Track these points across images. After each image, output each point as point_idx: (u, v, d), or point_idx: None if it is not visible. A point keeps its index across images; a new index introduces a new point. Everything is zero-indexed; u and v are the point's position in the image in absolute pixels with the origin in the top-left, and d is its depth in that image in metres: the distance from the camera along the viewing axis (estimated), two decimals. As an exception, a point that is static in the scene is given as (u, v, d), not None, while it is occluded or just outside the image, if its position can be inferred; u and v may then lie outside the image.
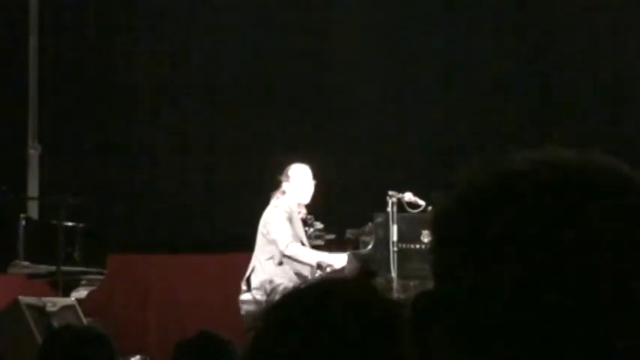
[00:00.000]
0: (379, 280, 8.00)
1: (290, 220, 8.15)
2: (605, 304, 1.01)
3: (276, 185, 8.30)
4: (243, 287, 8.17)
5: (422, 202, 8.08)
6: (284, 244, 8.04)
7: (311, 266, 8.11)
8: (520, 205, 1.04)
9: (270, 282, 8.04)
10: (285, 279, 8.03)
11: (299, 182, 8.23)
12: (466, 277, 1.04)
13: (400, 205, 8.07)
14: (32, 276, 8.78)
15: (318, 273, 8.14)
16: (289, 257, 8.08)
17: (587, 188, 1.04)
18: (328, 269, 8.11)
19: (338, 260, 8.08)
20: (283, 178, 8.24)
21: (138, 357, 9.06)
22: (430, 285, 1.11)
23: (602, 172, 1.06)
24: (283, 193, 8.23)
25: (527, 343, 1.02)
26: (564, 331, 1.01)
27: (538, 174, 1.05)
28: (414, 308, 1.57)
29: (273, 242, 8.09)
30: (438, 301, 1.07)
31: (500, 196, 1.05)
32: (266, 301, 7.90)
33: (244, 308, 8.13)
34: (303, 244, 8.21)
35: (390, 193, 8.06)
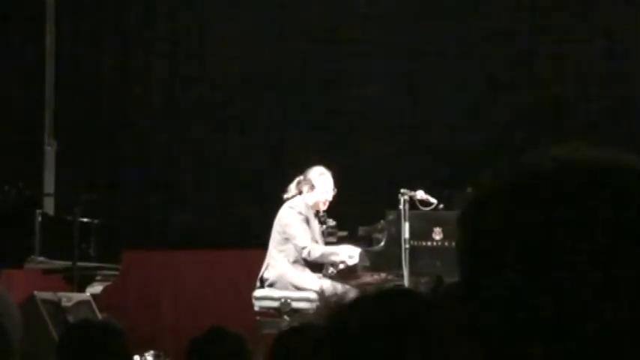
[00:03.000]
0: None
1: (306, 221, 8.15)
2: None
3: (295, 182, 8.28)
4: (258, 284, 8.22)
5: (434, 200, 8.11)
6: (306, 251, 8.04)
7: (335, 264, 8.13)
8: (542, 207, 1.03)
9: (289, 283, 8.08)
10: (300, 277, 8.07)
11: (317, 188, 8.19)
12: (488, 278, 1.04)
13: (412, 202, 8.09)
14: (48, 271, 8.84)
15: (331, 270, 8.18)
16: (312, 261, 8.10)
17: (611, 190, 1.03)
18: (341, 266, 8.13)
19: (354, 254, 8.08)
20: (303, 177, 8.24)
21: (151, 352, 9.11)
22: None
23: (626, 172, 1.04)
24: (300, 192, 8.23)
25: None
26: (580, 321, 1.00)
27: (562, 175, 1.04)
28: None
29: (289, 242, 8.10)
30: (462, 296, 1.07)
31: (523, 197, 1.04)
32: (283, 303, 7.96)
33: (257, 304, 8.18)
34: (316, 242, 8.23)
35: (402, 190, 8.08)
